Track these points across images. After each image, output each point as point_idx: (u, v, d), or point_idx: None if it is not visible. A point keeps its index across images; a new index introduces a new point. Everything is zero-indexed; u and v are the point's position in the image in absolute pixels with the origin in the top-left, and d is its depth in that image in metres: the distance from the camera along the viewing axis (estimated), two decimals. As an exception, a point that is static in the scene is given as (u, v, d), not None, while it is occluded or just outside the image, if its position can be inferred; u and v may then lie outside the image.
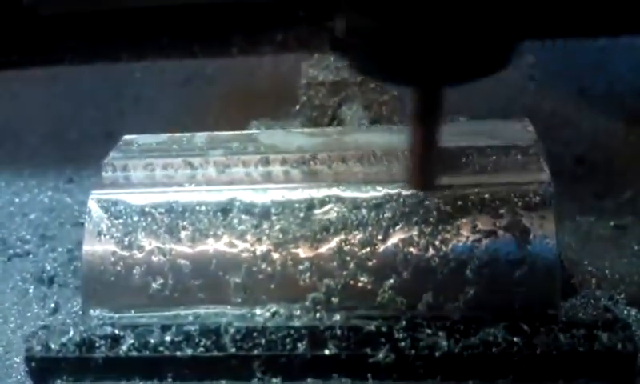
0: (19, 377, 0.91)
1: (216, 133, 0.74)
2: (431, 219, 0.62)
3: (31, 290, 1.05)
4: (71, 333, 0.61)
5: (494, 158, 0.65)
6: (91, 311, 0.63)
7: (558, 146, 1.31)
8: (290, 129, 0.74)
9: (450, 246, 0.61)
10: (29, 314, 1.01)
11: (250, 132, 0.74)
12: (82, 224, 1.18)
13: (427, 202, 0.62)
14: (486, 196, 0.62)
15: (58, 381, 0.60)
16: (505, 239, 0.61)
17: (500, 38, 0.53)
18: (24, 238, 1.17)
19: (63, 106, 1.52)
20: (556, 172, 1.21)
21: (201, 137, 0.73)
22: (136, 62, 1.56)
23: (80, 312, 0.97)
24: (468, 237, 0.61)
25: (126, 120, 1.45)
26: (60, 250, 1.13)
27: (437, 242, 0.61)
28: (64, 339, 0.60)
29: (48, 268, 1.09)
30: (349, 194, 0.63)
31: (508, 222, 0.61)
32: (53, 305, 1.02)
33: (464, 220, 0.62)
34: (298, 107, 1.15)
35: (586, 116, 1.39)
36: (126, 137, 0.74)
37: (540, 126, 1.39)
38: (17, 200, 1.28)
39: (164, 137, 0.74)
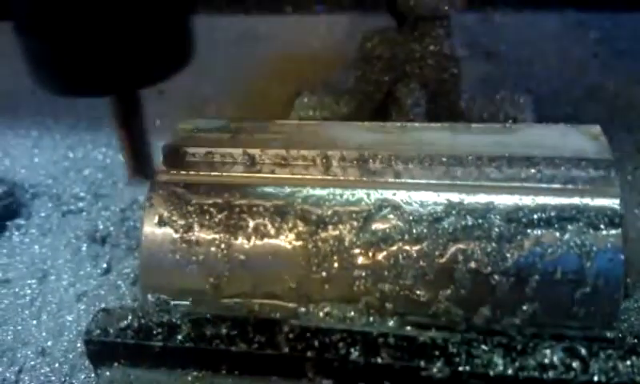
0: (71, 336, 0.94)
1: (274, 121, 0.73)
2: (493, 234, 0.60)
3: (84, 248, 1.08)
4: (129, 318, 0.62)
5: (563, 169, 0.63)
6: (149, 296, 0.64)
7: (620, 131, 1.26)
8: (350, 122, 0.73)
9: (511, 261, 0.60)
10: (81, 273, 1.04)
11: (310, 122, 0.73)
12: (134, 184, 1.21)
13: (489, 215, 0.61)
14: (552, 213, 0.60)
15: (115, 364, 0.62)
16: (568, 258, 0.59)
17: (176, 40, 0.57)
18: (78, 195, 1.19)
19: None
20: (616, 159, 1.16)
21: (259, 125, 0.72)
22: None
23: (132, 275, 1.01)
24: (530, 252, 0.60)
25: (178, 78, 1.45)
26: (113, 208, 1.15)
27: (497, 258, 0.60)
28: (122, 325, 0.62)
29: (101, 227, 1.11)
30: (408, 203, 0.62)
31: (573, 241, 0.59)
32: (105, 265, 1.05)
33: (528, 234, 0.60)
34: (352, 81, 1.13)
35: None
36: (187, 120, 0.74)
37: (602, 109, 1.34)
38: (71, 155, 1.30)
39: (223, 122, 0.73)
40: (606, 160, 0.63)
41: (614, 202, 0.60)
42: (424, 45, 1.08)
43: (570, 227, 0.60)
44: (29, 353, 0.93)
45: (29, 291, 1.02)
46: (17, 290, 1.02)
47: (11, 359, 0.91)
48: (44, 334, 0.96)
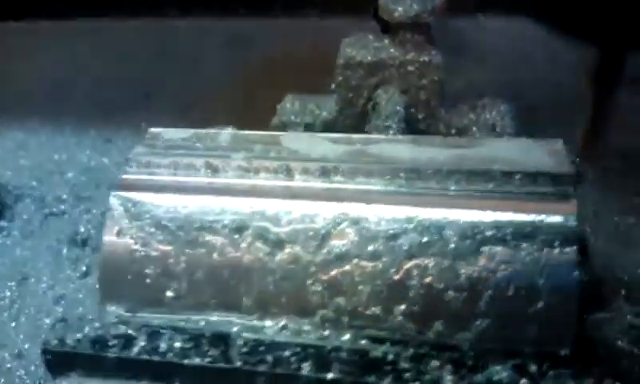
0: (48, 339, 0.95)
1: (241, 132, 0.73)
2: (448, 251, 0.60)
3: (64, 251, 1.09)
4: (87, 329, 0.63)
5: (521, 184, 0.63)
6: (107, 306, 0.65)
7: (608, 135, 1.26)
8: (314, 133, 0.73)
9: (465, 276, 0.60)
10: (61, 276, 1.05)
11: (275, 133, 0.73)
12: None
13: (445, 232, 0.61)
14: (507, 229, 0.60)
15: (73, 373, 0.62)
16: (522, 274, 0.59)
17: None
18: (60, 198, 1.20)
19: (106, 62, 1.52)
20: (598, 166, 1.16)
21: (226, 135, 0.72)
22: (180, 18, 1.55)
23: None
24: (484, 267, 0.60)
25: (165, 81, 1.45)
26: (94, 211, 1.16)
27: (451, 274, 0.60)
28: (79, 335, 0.63)
29: (82, 230, 1.12)
30: (366, 218, 0.62)
31: (528, 257, 0.59)
32: (84, 268, 1.06)
33: (482, 251, 0.60)
34: (333, 87, 1.14)
35: (636, 107, 1.33)
36: (152, 130, 0.74)
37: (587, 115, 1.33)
38: (56, 157, 1.31)
39: (189, 132, 0.73)
40: (564, 175, 0.63)
41: (569, 219, 0.60)
42: (404, 51, 1.08)
43: (524, 244, 0.60)
44: (5, 355, 0.94)
45: (8, 293, 1.03)
46: (-4, 292, 1.03)
47: (-14, 363, 0.92)
48: (21, 336, 0.97)
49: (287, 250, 0.62)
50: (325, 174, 0.66)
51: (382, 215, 0.63)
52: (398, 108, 1.07)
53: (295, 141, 0.71)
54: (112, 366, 0.62)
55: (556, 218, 0.60)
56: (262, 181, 0.67)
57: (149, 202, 0.66)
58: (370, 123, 1.06)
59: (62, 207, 1.19)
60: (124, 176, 0.69)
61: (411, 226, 0.62)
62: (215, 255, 0.64)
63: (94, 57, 1.55)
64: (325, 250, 0.62)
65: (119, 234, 0.65)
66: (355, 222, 0.63)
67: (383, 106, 1.07)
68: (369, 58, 1.09)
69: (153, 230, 0.65)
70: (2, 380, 0.91)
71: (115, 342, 0.62)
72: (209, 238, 0.64)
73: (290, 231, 0.63)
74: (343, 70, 1.10)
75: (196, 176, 0.67)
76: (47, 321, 0.99)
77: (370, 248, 0.61)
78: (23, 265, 1.08)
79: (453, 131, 1.12)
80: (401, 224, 0.62)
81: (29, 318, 1.00)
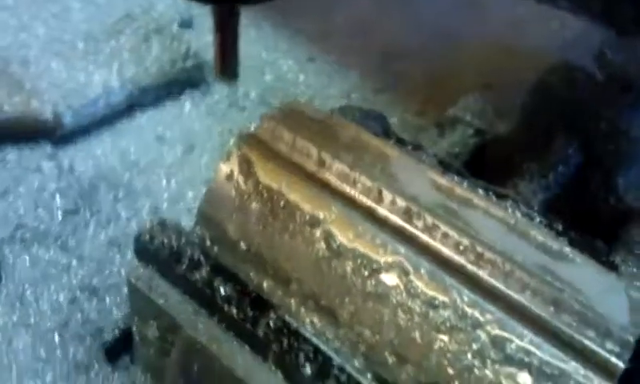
0: (186, 208, 1.12)
1: (363, 133, 0.77)
2: (474, 347, 0.61)
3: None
4: (173, 238, 0.75)
5: (578, 327, 0.60)
6: (198, 228, 0.76)
7: None
8: (427, 166, 0.74)
9: (477, 378, 0.61)
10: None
11: (390, 151, 0.75)
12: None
13: (480, 330, 0.61)
14: (537, 362, 0.59)
15: (151, 267, 0.76)
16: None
17: None
18: (249, 95, 1.34)
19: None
20: None
21: (349, 130, 0.76)
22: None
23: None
24: (503, 373, 0.60)
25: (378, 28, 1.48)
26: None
27: (467, 370, 0.61)
28: (165, 240, 0.75)
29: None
30: (419, 276, 0.64)
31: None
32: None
33: (505, 367, 0.60)
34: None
35: None
36: (300, 101, 0.81)
37: None
38: (263, 55, 1.44)
39: (324, 115, 0.78)
40: (625, 342, 0.59)
41: (604, 388, 0.57)
42: (600, 104, 1.00)
43: (547, 385, 0.59)
44: (146, 205, 1.12)
45: (172, 155, 1.21)
46: (165, 149, 1.22)
47: (131, 206, 1.11)
48: (165, 195, 1.15)
49: (341, 263, 0.67)
50: (407, 213, 0.68)
51: (433, 281, 0.64)
52: (567, 159, 1.01)
53: (403, 167, 0.73)
54: (176, 278, 0.74)
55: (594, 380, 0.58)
56: (353, 191, 0.71)
57: (256, 164, 0.74)
58: (533, 162, 1.02)
59: (247, 104, 1.32)
60: (250, 130, 0.78)
61: (453, 305, 0.63)
62: (286, 236, 0.71)
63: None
64: (370, 282, 0.66)
65: (228, 177, 0.75)
66: (407, 273, 0.65)
67: (553, 151, 1.02)
68: (562, 90, 1.04)
69: (250, 189, 0.73)
70: (134, 225, 1.09)
71: (186, 261, 0.73)
72: (287, 219, 0.71)
73: (352, 249, 0.67)
74: (534, 89, 1.06)
75: (305, 160, 0.74)
76: (190, 194, 1.16)
77: (407, 304, 0.64)
78: (196, 137, 1.25)
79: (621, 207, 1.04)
80: (444, 299, 0.64)
81: (180, 184, 1.17)
